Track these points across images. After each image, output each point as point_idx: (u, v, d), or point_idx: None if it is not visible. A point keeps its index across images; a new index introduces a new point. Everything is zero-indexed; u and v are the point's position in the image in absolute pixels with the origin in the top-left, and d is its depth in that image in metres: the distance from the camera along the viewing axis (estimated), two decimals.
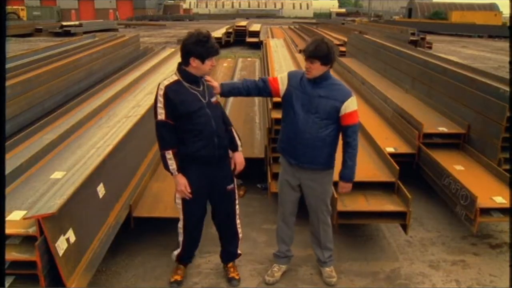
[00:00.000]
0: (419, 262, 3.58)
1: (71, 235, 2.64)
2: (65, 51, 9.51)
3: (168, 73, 6.86)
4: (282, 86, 3.01)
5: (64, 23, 28.20)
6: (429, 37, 23.02)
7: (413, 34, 20.57)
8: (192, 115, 2.82)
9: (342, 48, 13.68)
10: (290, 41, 13.97)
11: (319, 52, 2.81)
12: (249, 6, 68.48)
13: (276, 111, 4.27)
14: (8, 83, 5.94)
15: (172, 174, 2.91)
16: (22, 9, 38.94)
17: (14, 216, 2.64)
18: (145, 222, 3.61)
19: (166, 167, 2.90)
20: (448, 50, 20.67)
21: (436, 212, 4.40)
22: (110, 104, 5.12)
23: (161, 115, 2.80)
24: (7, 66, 6.71)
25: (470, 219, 3.66)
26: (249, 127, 5.64)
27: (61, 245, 2.51)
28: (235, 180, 3.15)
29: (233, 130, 3.12)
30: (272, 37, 17.28)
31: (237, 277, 3.25)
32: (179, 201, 3.01)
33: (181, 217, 3.07)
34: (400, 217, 3.61)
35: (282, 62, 7.09)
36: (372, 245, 3.81)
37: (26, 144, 3.88)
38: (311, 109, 2.89)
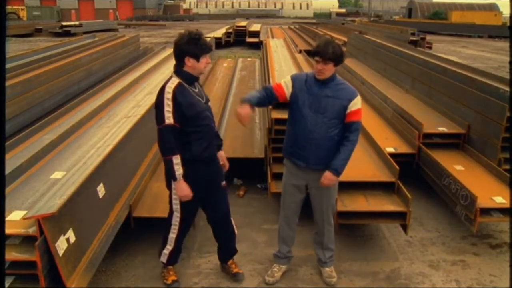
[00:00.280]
0: (419, 262, 3.58)
1: (71, 235, 2.64)
2: (65, 51, 9.51)
3: (168, 74, 6.85)
4: (288, 90, 3.00)
5: (64, 23, 28.20)
6: (429, 37, 23.03)
7: (413, 34, 20.57)
8: (198, 116, 2.84)
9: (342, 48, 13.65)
10: (290, 41, 13.96)
11: (335, 54, 2.82)
12: (249, 6, 68.48)
13: (276, 111, 4.28)
14: (8, 83, 5.94)
15: (176, 179, 2.85)
16: (22, 9, 38.95)
17: (14, 216, 2.64)
18: (145, 222, 3.61)
19: (171, 173, 2.82)
20: (448, 50, 20.67)
21: (436, 212, 4.41)
22: (110, 104, 5.12)
23: (169, 119, 2.74)
24: (7, 66, 6.71)
25: (470, 219, 3.66)
26: (249, 127, 5.63)
27: (61, 245, 2.51)
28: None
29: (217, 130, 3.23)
30: (272, 37, 17.28)
31: (240, 271, 3.30)
32: (176, 201, 3.00)
33: (178, 214, 3.05)
34: (400, 217, 3.61)
35: (282, 62, 7.09)
36: (372, 245, 3.81)
37: (26, 144, 3.88)
38: (319, 109, 2.89)
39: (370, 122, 5.39)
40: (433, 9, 47.64)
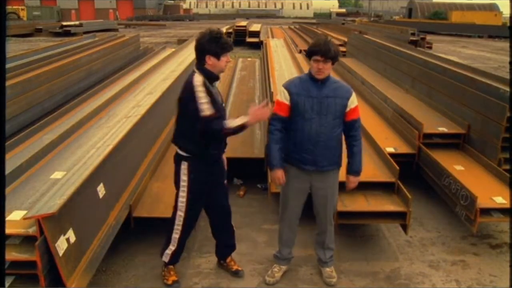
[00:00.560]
0: (419, 262, 3.58)
1: (71, 235, 2.64)
2: (65, 51, 9.51)
3: (168, 74, 6.87)
4: (287, 98, 2.96)
5: (64, 23, 28.20)
6: (429, 37, 23.04)
7: (413, 34, 20.60)
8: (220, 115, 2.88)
9: (342, 48, 13.65)
10: (290, 41, 13.97)
11: (336, 53, 2.85)
12: (249, 6, 68.46)
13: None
14: (8, 83, 5.94)
15: (246, 125, 2.83)
16: (22, 9, 38.94)
17: (14, 216, 2.64)
18: (145, 222, 3.61)
19: (242, 127, 2.82)
20: (448, 50, 20.67)
21: (436, 212, 4.40)
22: (110, 104, 5.12)
23: (209, 110, 2.75)
24: (7, 66, 6.71)
25: (470, 219, 3.66)
26: (249, 127, 5.63)
27: (61, 245, 2.51)
28: None
29: None
30: (272, 37, 17.28)
31: (240, 269, 3.32)
32: (183, 199, 3.00)
33: (182, 214, 3.05)
34: (400, 217, 3.62)
35: (282, 62, 7.09)
36: (372, 245, 3.81)
37: (26, 144, 3.88)
38: (322, 110, 2.90)
39: (370, 122, 5.39)
40: (433, 9, 47.63)
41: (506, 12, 43.89)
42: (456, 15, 41.96)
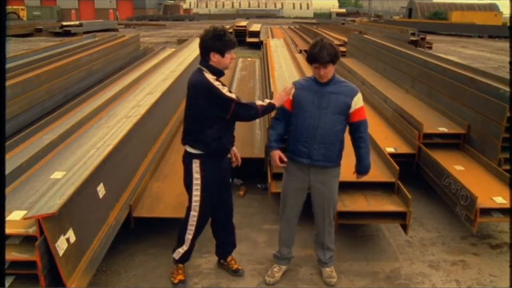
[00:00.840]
0: (419, 262, 3.58)
1: (71, 235, 2.64)
2: (65, 51, 9.50)
3: (168, 73, 6.86)
4: (291, 96, 3.07)
5: (64, 23, 28.19)
6: (429, 37, 23.04)
7: (413, 34, 20.60)
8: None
9: (342, 48, 13.65)
10: (290, 41, 13.97)
11: (331, 56, 2.86)
12: (249, 6, 68.46)
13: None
14: (8, 83, 5.94)
15: (275, 105, 3.00)
16: (22, 9, 38.95)
17: (14, 216, 2.63)
18: (145, 222, 3.61)
19: (270, 108, 3.00)
20: (448, 50, 20.67)
21: (436, 212, 4.40)
22: (110, 104, 5.12)
23: (233, 95, 2.86)
24: (7, 66, 6.71)
25: (470, 219, 3.66)
26: (249, 127, 5.63)
27: (61, 245, 2.51)
28: None
29: None
30: (272, 37, 17.28)
31: (240, 267, 3.33)
32: (197, 198, 3.00)
33: (195, 214, 3.04)
34: (400, 217, 3.62)
35: (282, 62, 7.09)
36: (372, 245, 3.81)
37: (26, 144, 3.88)
38: (322, 104, 2.93)
39: (370, 122, 5.29)
40: (433, 9, 47.64)
41: (506, 12, 43.98)
42: (456, 15, 41.97)
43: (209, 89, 2.82)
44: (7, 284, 2.47)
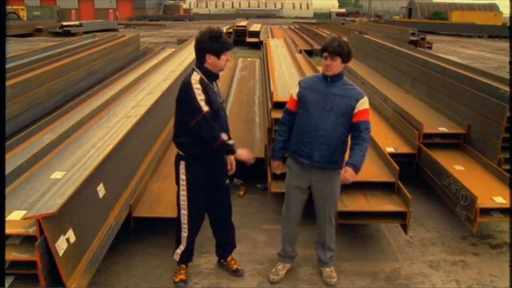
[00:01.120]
0: (419, 262, 3.58)
1: (71, 235, 2.64)
2: (65, 51, 9.50)
3: (168, 74, 6.86)
4: (295, 94, 3.07)
5: (64, 23, 28.18)
6: (429, 37, 23.03)
7: (413, 34, 20.58)
8: (215, 113, 2.88)
9: None
10: (290, 41, 13.96)
11: (342, 50, 2.85)
12: (249, 6, 68.43)
13: (276, 111, 4.27)
14: (8, 83, 5.94)
15: (235, 151, 2.93)
16: (22, 9, 38.92)
17: (14, 216, 2.63)
18: (145, 222, 3.61)
19: (229, 148, 2.90)
20: (448, 50, 20.67)
21: (436, 212, 4.40)
22: (110, 104, 5.12)
23: (205, 107, 2.78)
24: (7, 66, 6.71)
25: (470, 219, 3.66)
26: (249, 127, 5.63)
27: (61, 245, 2.51)
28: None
29: (230, 135, 3.21)
30: (272, 37, 17.27)
31: (240, 268, 3.32)
32: (184, 197, 3.03)
33: (185, 212, 3.07)
34: (400, 217, 3.62)
35: (282, 62, 7.08)
36: (372, 245, 3.81)
37: (26, 144, 3.88)
38: (326, 106, 2.91)
39: (370, 122, 5.37)
40: (433, 9, 47.63)
41: (506, 12, 43.91)
42: (456, 15, 41.95)
43: (187, 90, 2.82)
44: (7, 284, 2.46)
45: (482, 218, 3.61)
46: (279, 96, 4.49)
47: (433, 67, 6.26)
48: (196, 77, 2.85)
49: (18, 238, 2.56)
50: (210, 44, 2.81)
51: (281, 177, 3.44)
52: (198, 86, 2.80)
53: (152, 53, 10.50)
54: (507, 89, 4.46)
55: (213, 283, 3.25)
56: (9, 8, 34.45)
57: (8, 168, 3.15)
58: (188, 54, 9.23)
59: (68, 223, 2.64)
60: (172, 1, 65.89)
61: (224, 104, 3.10)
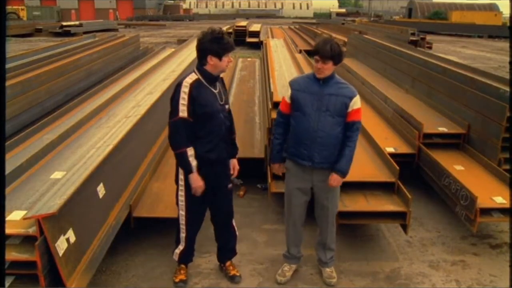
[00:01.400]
0: (419, 262, 3.58)
1: (71, 235, 2.64)
2: (65, 51, 9.51)
3: (168, 73, 6.86)
4: (287, 97, 3.05)
5: (64, 23, 28.17)
6: (429, 37, 23.03)
7: (413, 34, 20.58)
8: (208, 116, 2.85)
9: (342, 48, 13.66)
10: (290, 41, 13.96)
11: (334, 52, 2.84)
12: (249, 6, 68.43)
13: (276, 111, 4.27)
14: (8, 83, 5.94)
15: (191, 172, 2.88)
16: (22, 9, 38.92)
17: (14, 216, 2.63)
18: (145, 222, 3.61)
19: (187, 165, 2.86)
20: (448, 50, 20.67)
21: (436, 212, 4.40)
22: (110, 104, 5.12)
23: (184, 112, 2.79)
24: (7, 66, 6.71)
25: (470, 219, 3.66)
26: (249, 127, 5.63)
27: (61, 245, 2.51)
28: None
29: (235, 139, 3.21)
30: (272, 37, 17.27)
31: (238, 274, 3.29)
32: (182, 198, 3.02)
33: (183, 213, 3.07)
34: (400, 217, 3.61)
35: (282, 62, 7.09)
36: (372, 245, 3.81)
37: (26, 144, 3.88)
38: (321, 107, 2.91)
39: (370, 122, 5.38)
40: (433, 9, 47.62)
41: (506, 12, 43.92)
42: (456, 15, 41.95)
43: (175, 89, 2.85)
44: (7, 284, 2.47)
45: (482, 218, 3.61)
46: (279, 96, 4.48)
47: (433, 67, 6.26)
48: (190, 79, 2.83)
49: (18, 238, 2.56)
50: (212, 46, 2.78)
51: (281, 177, 3.43)
52: (186, 90, 2.79)
53: (152, 53, 10.50)
54: (507, 89, 4.46)
55: (213, 283, 3.25)
56: (9, 8, 34.46)
57: (8, 168, 3.15)
58: (188, 54, 9.23)
59: (68, 223, 2.64)
60: (172, 1, 65.89)
61: (226, 105, 3.04)
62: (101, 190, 3.13)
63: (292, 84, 3.06)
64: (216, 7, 69.13)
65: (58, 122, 4.62)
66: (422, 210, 4.42)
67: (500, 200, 3.69)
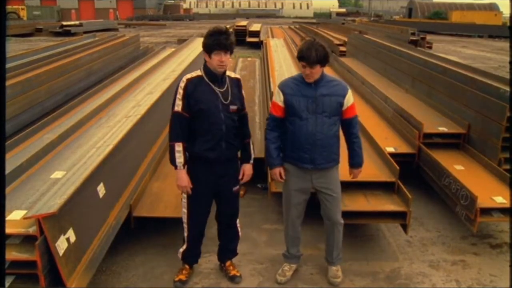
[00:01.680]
0: (419, 262, 3.58)
1: (71, 234, 2.64)
2: (65, 51, 9.50)
3: (168, 73, 6.86)
4: (280, 99, 3.00)
5: (64, 23, 28.17)
6: (429, 37, 23.02)
7: (413, 34, 20.56)
8: (204, 113, 2.84)
9: (342, 48, 13.68)
10: (290, 41, 13.96)
11: (319, 57, 2.82)
12: (249, 6, 68.44)
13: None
14: (8, 83, 5.94)
15: (176, 167, 2.90)
16: (22, 9, 38.94)
17: (14, 215, 2.64)
18: (145, 222, 3.61)
19: (172, 159, 2.89)
20: (448, 50, 20.67)
21: (436, 212, 4.40)
22: (110, 104, 5.12)
23: (178, 106, 2.85)
24: (7, 66, 6.71)
25: (470, 219, 3.66)
26: (250, 127, 5.62)
27: (61, 245, 2.51)
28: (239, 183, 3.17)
29: (250, 143, 3.14)
30: (272, 37, 17.27)
31: (238, 274, 3.28)
32: (184, 195, 3.04)
33: (185, 211, 3.08)
34: (400, 217, 3.61)
35: (282, 62, 7.09)
36: (372, 245, 3.81)
37: (26, 144, 3.89)
38: (317, 109, 2.91)
39: (370, 122, 5.38)
40: (433, 9, 47.63)
41: (506, 12, 43.92)
42: (456, 15, 41.95)
43: (176, 85, 2.90)
44: (7, 284, 2.47)
45: (482, 218, 3.61)
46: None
47: (433, 67, 6.26)
48: (190, 75, 2.89)
49: (18, 238, 2.56)
50: (205, 42, 2.81)
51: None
52: (182, 85, 2.85)
53: (152, 53, 10.51)
54: (507, 89, 4.46)
55: (213, 283, 3.25)
56: (9, 7, 34.46)
57: (8, 168, 3.15)
58: (188, 54, 9.23)
59: (68, 223, 2.64)
60: (172, 1, 65.88)
61: (232, 106, 2.91)
62: (101, 189, 3.13)
63: (284, 88, 3.00)
64: (216, 7, 69.13)
65: (58, 122, 4.62)
66: (422, 210, 4.42)
67: (500, 200, 3.69)
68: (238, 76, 3.06)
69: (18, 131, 5.33)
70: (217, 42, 2.76)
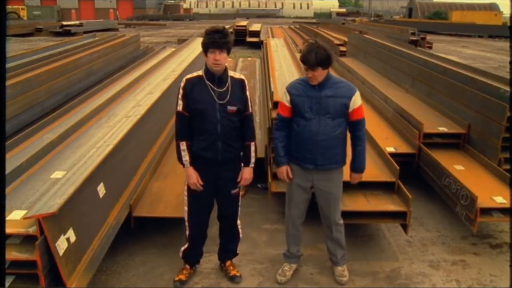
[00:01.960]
0: (419, 262, 3.58)
1: (71, 234, 2.64)
2: (65, 51, 9.50)
3: (168, 73, 6.86)
4: (287, 102, 3.04)
5: (64, 23, 28.18)
6: (429, 37, 23.03)
7: (413, 34, 20.56)
8: (200, 113, 2.86)
9: (342, 48, 13.68)
10: (290, 41, 13.96)
11: (320, 59, 2.82)
12: (249, 6, 68.47)
13: (276, 111, 4.27)
14: (8, 83, 5.94)
15: (184, 166, 2.96)
16: (22, 9, 38.96)
17: (15, 215, 2.63)
18: (145, 222, 3.61)
19: (179, 157, 2.95)
20: (448, 50, 20.67)
21: (436, 212, 4.40)
22: (110, 104, 5.12)
23: (179, 106, 2.90)
24: (7, 66, 6.71)
25: (470, 219, 3.66)
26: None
27: (61, 245, 2.51)
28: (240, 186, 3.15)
29: (252, 146, 3.07)
30: (273, 37, 17.27)
31: (238, 274, 3.28)
32: (185, 193, 3.06)
33: (186, 209, 3.09)
34: (400, 217, 3.61)
35: (282, 62, 7.09)
36: (372, 245, 3.81)
37: (26, 144, 3.88)
38: (321, 110, 2.91)
39: (370, 122, 5.36)
40: (433, 9, 47.63)
41: (506, 12, 43.91)
42: (456, 15, 41.95)
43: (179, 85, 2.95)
44: (7, 284, 2.47)
45: (482, 218, 3.61)
46: (280, 96, 4.48)
47: (433, 67, 6.26)
48: (191, 75, 2.93)
49: (18, 237, 2.56)
50: (203, 40, 2.83)
51: None
52: (182, 85, 2.90)
53: (152, 53, 10.50)
54: (507, 89, 4.46)
55: (213, 283, 3.25)
56: (9, 7, 34.46)
57: (8, 168, 3.15)
58: (188, 54, 9.23)
59: (68, 223, 2.64)
60: (173, 1, 65.88)
61: (230, 107, 2.88)
62: (101, 189, 3.13)
63: (290, 89, 3.05)
64: (216, 6, 69.16)
65: (58, 122, 4.62)
66: (422, 210, 4.42)
67: (500, 200, 3.69)
68: (242, 77, 3.02)
69: (18, 131, 5.33)
70: (212, 40, 2.77)
